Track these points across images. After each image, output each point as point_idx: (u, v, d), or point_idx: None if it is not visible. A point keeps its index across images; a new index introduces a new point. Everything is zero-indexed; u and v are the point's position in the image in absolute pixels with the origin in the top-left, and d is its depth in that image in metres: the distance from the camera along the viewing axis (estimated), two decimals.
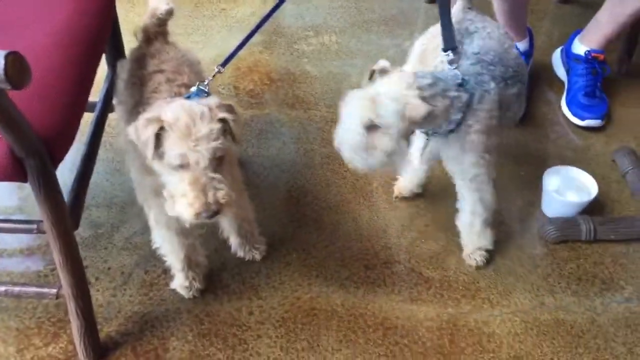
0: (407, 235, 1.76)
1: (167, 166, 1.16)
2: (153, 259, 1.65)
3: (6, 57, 0.86)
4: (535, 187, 1.88)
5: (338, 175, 1.92)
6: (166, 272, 1.62)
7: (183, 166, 1.14)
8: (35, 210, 1.74)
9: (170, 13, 1.44)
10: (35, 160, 1.08)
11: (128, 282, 1.60)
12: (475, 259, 1.68)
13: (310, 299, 1.58)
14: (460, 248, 1.71)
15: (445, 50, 1.44)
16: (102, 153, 1.74)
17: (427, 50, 1.69)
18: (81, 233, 1.69)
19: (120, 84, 1.45)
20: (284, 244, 1.71)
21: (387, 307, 1.58)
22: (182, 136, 1.12)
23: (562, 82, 2.25)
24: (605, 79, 2.19)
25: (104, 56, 1.56)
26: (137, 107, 1.30)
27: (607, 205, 1.86)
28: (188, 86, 1.31)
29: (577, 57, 2.17)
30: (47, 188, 1.13)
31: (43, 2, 1.38)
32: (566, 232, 1.74)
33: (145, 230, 1.72)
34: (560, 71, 2.29)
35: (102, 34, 1.42)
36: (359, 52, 2.42)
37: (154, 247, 1.51)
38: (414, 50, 1.74)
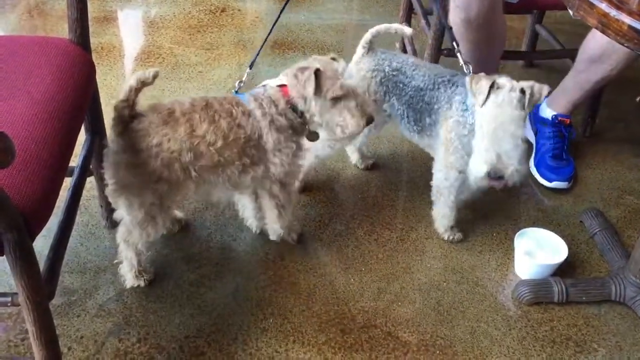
0: (384, 297, 1.76)
1: (328, 101, 1.56)
2: (127, 326, 1.62)
3: None
4: (507, 248, 1.92)
5: (314, 237, 1.93)
6: (140, 341, 1.59)
7: (340, 97, 1.55)
8: (3, 277, 1.71)
9: (155, 77, 1.43)
10: (13, 235, 1.07)
11: (101, 351, 1.57)
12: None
13: None
14: (435, 309, 1.73)
15: None
16: (77, 216, 1.73)
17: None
18: (53, 301, 1.64)
19: None
20: (260, 309, 1.70)
21: None
22: (334, 75, 1.55)
23: (530, 144, 2.32)
24: (570, 141, 2.27)
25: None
26: None
27: (578, 267, 1.90)
28: None
29: (544, 121, 2.26)
30: (24, 262, 1.12)
31: (22, 75, 1.38)
32: (539, 293, 1.77)
33: (119, 296, 1.71)
34: (529, 133, 2.37)
35: (82, 105, 1.43)
36: None
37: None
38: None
